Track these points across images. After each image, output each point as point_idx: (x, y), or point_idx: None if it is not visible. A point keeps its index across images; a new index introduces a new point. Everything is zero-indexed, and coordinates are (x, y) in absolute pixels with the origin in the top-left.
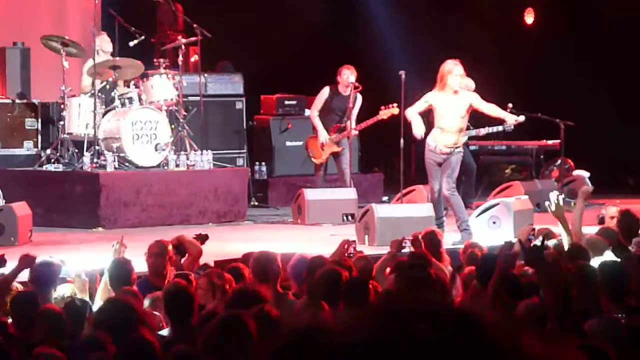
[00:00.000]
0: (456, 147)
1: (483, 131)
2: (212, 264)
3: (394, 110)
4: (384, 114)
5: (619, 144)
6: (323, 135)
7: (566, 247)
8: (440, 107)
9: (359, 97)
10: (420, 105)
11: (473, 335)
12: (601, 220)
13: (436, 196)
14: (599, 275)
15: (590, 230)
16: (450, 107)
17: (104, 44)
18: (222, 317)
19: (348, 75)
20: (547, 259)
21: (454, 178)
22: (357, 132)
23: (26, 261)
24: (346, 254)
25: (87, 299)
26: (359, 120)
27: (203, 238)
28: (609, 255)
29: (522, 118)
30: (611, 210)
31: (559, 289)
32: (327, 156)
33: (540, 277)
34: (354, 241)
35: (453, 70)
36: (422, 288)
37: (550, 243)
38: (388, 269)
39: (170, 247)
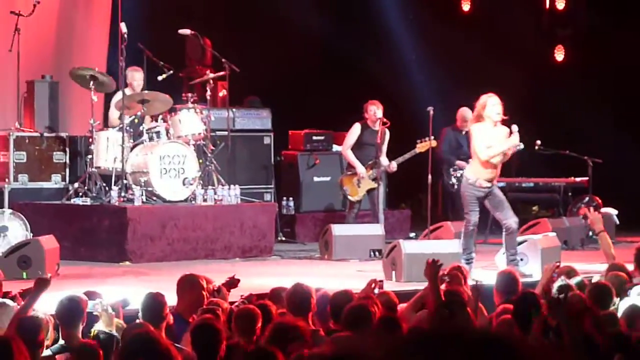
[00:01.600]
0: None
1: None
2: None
3: (432, 143)
4: (422, 147)
5: None
6: (361, 170)
7: None
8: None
9: (387, 132)
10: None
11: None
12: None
13: (470, 229)
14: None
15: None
16: (499, 140)
17: (134, 80)
18: (253, 351)
19: (375, 111)
20: (569, 308)
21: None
22: (396, 167)
23: (42, 284)
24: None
25: (114, 332)
26: (389, 154)
27: (231, 284)
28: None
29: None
30: None
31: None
32: (364, 193)
33: (562, 327)
34: (382, 280)
35: (488, 101)
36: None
37: (573, 281)
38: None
39: (204, 282)
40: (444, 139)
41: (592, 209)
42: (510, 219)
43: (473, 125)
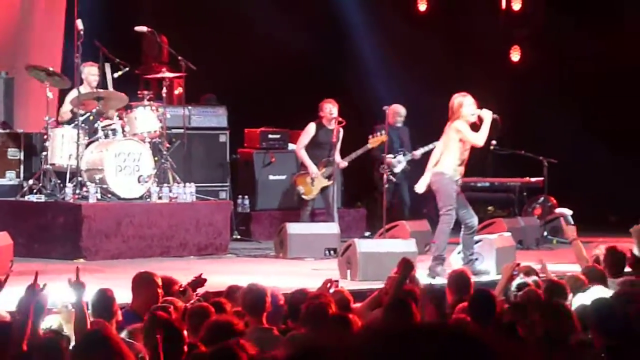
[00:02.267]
0: None
1: (418, 153)
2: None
3: (383, 137)
4: (374, 142)
5: (601, 182)
6: (314, 170)
7: None
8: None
9: (341, 131)
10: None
11: (469, 348)
12: (597, 260)
13: (451, 228)
14: (591, 312)
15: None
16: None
17: (90, 76)
18: (215, 350)
19: (330, 109)
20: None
21: None
22: (346, 164)
23: (32, 293)
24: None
25: (66, 331)
26: (344, 151)
27: (198, 284)
28: (594, 292)
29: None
30: (603, 248)
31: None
32: (318, 191)
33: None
34: (337, 280)
35: (465, 101)
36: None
37: (530, 280)
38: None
39: (159, 279)
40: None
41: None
42: (474, 218)
43: (456, 122)
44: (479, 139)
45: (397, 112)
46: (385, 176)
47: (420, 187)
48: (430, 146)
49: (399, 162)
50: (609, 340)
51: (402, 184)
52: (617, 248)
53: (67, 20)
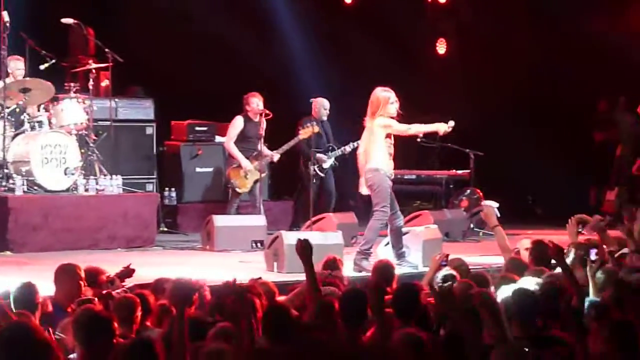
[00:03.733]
0: None
1: (348, 148)
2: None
3: (314, 128)
4: (304, 133)
5: (527, 175)
6: (246, 163)
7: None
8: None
9: (264, 122)
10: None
11: None
12: (517, 253)
13: (383, 224)
14: (511, 303)
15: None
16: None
17: (17, 70)
18: (132, 341)
19: (257, 103)
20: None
21: None
22: (279, 156)
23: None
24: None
25: None
26: (273, 144)
27: (126, 275)
28: (521, 283)
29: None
30: (525, 242)
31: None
32: (252, 184)
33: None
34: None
35: (390, 97)
36: None
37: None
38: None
39: (81, 271)
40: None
41: (485, 202)
42: (400, 218)
43: (380, 119)
44: (410, 129)
45: (321, 105)
46: (312, 171)
47: (364, 190)
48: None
49: (328, 158)
50: (529, 331)
51: (327, 176)
52: (543, 241)
53: None
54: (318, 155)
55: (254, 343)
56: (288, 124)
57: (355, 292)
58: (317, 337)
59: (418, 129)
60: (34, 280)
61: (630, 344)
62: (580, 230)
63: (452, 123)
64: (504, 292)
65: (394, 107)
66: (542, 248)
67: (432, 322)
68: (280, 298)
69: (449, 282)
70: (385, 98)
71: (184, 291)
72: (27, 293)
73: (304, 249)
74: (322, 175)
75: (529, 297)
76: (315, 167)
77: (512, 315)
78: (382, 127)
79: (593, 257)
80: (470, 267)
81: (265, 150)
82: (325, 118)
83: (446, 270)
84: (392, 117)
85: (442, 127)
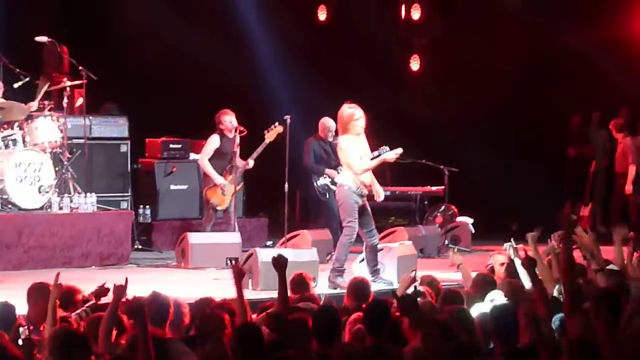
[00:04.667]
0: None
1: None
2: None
3: (278, 129)
4: (271, 135)
5: (502, 190)
6: (220, 179)
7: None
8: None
9: (238, 138)
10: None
11: None
12: (491, 270)
13: (352, 240)
14: (490, 319)
15: None
16: (365, 150)
17: None
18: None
19: (230, 120)
20: (420, 306)
21: None
22: (252, 163)
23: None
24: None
25: None
26: (248, 154)
27: (101, 293)
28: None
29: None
30: (499, 258)
31: (434, 335)
32: (230, 199)
33: (414, 324)
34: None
35: (355, 114)
36: None
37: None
38: None
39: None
40: (308, 150)
41: (454, 250)
42: (376, 237)
43: (341, 137)
44: (359, 166)
45: (327, 127)
46: (324, 185)
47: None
48: (375, 153)
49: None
50: (507, 347)
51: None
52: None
53: None
54: (327, 170)
55: None
56: (260, 139)
57: (327, 310)
58: (289, 355)
59: (366, 166)
60: (7, 299)
61: None
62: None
63: (399, 150)
64: (478, 309)
65: (359, 123)
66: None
67: (403, 337)
68: (254, 316)
69: (415, 293)
70: (350, 115)
71: (159, 306)
72: (9, 314)
73: (283, 266)
74: (334, 188)
75: (508, 313)
76: (328, 181)
77: (491, 332)
78: (340, 149)
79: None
80: (444, 283)
81: (239, 162)
82: (331, 139)
83: (417, 287)
84: (358, 134)
85: (390, 156)
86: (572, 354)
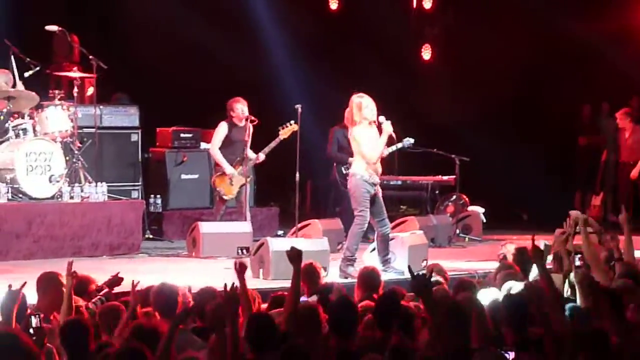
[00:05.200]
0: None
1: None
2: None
3: (294, 127)
4: (285, 132)
5: (513, 180)
6: (230, 169)
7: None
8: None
9: (251, 127)
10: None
11: None
12: (504, 259)
13: (363, 229)
14: (502, 308)
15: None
16: (373, 141)
17: (2, 82)
18: (121, 350)
19: (242, 109)
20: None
21: None
22: (264, 157)
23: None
24: None
25: None
26: (255, 148)
27: (114, 283)
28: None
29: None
30: (510, 247)
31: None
32: (238, 190)
33: (426, 306)
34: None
35: (363, 103)
36: None
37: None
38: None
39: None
40: (332, 138)
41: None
42: (388, 227)
43: (354, 128)
44: (373, 155)
45: None
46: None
47: None
48: (393, 148)
49: None
50: (519, 335)
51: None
52: (526, 248)
53: None
54: (350, 159)
55: (238, 350)
56: (272, 129)
57: (344, 302)
58: (301, 345)
59: (379, 153)
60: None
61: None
62: (577, 231)
63: (382, 119)
64: (490, 296)
65: (368, 110)
66: (524, 255)
67: (415, 328)
68: (264, 306)
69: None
70: (358, 104)
71: (168, 296)
72: (18, 302)
73: (299, 258)
74: None
75: (520, 302)
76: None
77: (504, 321)
78: (352, 139)
79: (577, 262)
80: (455, 272)
81: (250, 154)
82: None
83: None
84: (370, 122)
85: (388, 127)
86: (582, 344)
